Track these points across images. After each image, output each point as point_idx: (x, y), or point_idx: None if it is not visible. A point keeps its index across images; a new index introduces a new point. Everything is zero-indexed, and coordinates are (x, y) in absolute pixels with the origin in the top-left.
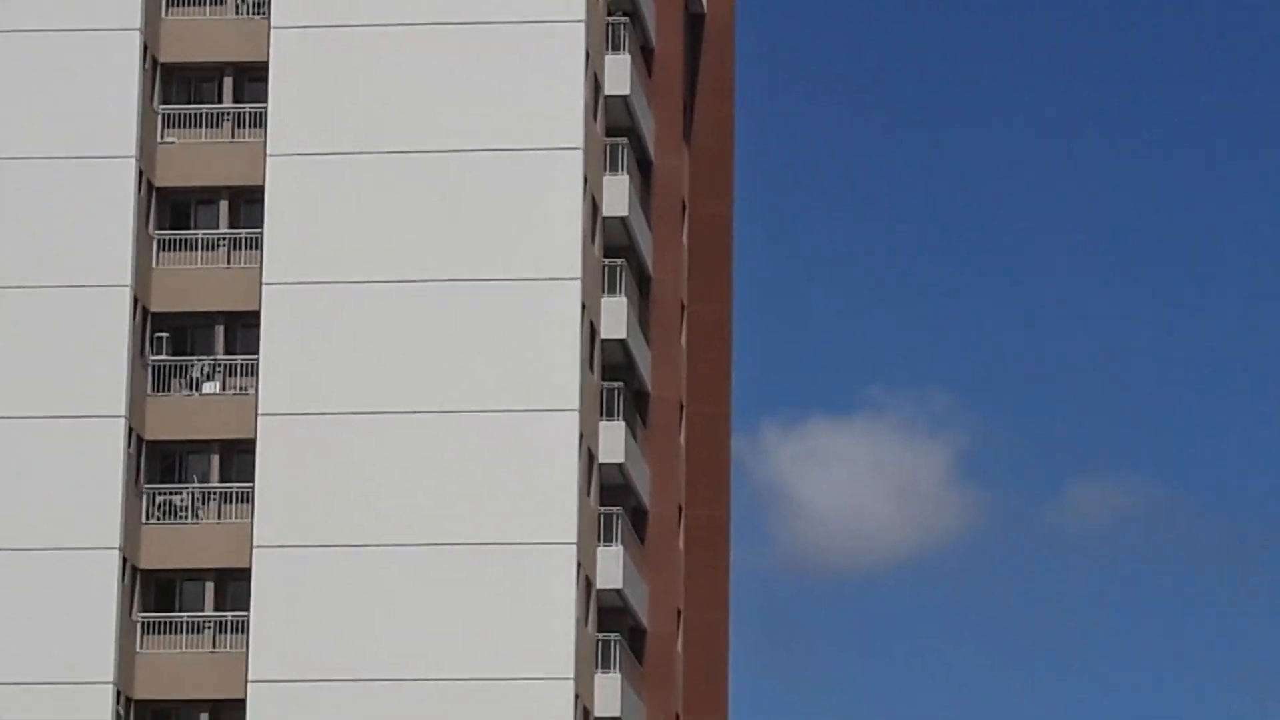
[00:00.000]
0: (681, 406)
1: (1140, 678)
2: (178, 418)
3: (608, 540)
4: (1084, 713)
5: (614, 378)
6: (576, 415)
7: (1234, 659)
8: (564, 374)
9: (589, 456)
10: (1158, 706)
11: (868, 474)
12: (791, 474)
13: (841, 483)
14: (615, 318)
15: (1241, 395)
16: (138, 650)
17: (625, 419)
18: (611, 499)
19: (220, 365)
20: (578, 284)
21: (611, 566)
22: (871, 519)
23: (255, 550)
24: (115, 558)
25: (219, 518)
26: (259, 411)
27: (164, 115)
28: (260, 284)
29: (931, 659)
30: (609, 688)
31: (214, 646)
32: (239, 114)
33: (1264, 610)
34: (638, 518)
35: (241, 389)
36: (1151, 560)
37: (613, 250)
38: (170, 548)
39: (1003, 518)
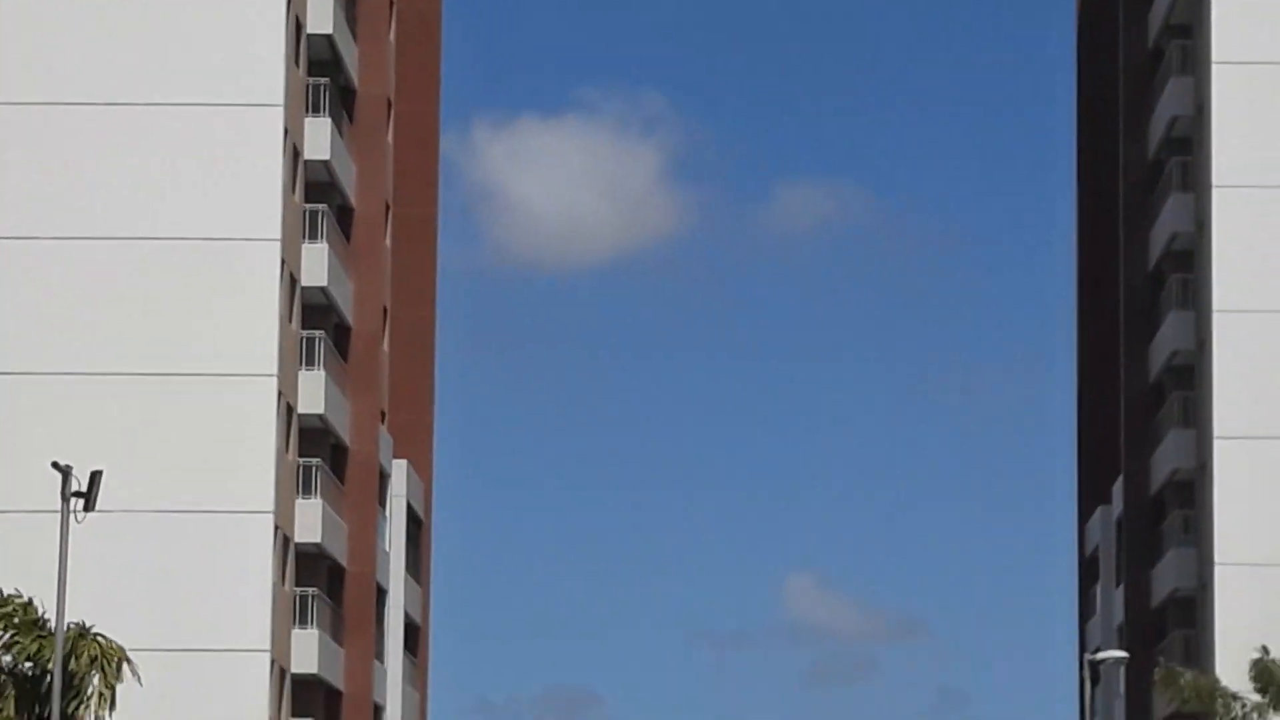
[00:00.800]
0: (390, 103)
1: (841, 375)
2: None
3: (313, 237)
4: (785, 406)
5: (320, 73)
6: (281, 110)
7: (934, 354)
8: (268, 66)
9: (294, 152)
10: (857, 400)
11: (579, 174)
12: (502, 173)
13: (553, 182)
14: (321, 12)
15: (942, 100)
16: None
17: (331, 115)
18: (317, 196)
19: None
20: None
21: (316, 263)
22: (582, 219)
23: None
24: None
25: None
26: None
27: None
28: None
29: (639, 356)
30: (313, 384)
31: None
32: None
33: (966, 306)
34: (344, 216)
35: None
36: (855, 262)
37: None
38: None
39: (712, 219)
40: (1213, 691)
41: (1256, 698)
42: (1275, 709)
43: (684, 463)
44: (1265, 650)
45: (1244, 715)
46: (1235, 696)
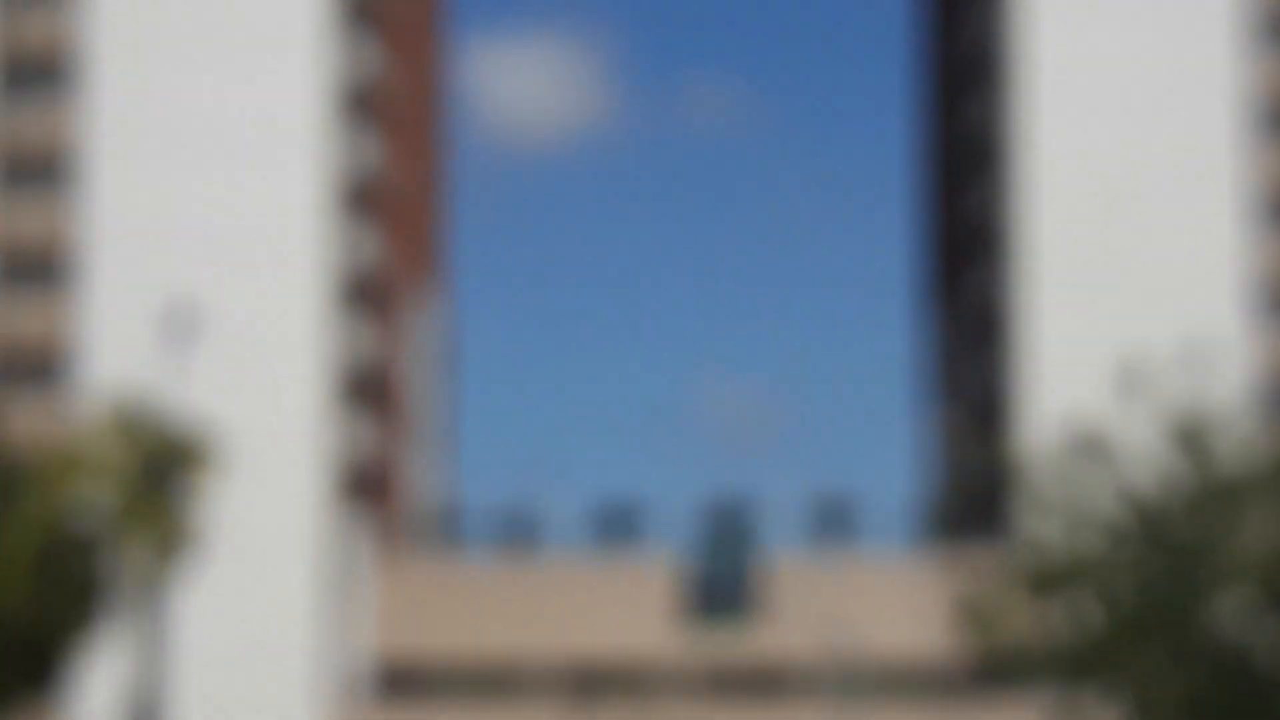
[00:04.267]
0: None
1: (743, 240)
2: None
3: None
4: (692, 261)
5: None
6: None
7: (820, 219)
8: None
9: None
10: (757, 260)
11: (542, 76)
12: (495, 77)
13: (525, 82)
14: None
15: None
16: None
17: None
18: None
19: None
20: None
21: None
22: (541, 108)
23: None
24: None
25: None
26: None
27: None
28: None
29: (597, 213)
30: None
31: None
32: None
33: (836, 175)
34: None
35: None
36: (751, 152)
37: None
38: None
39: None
40: (1019, 460)
41: None
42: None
43: (616, 283)
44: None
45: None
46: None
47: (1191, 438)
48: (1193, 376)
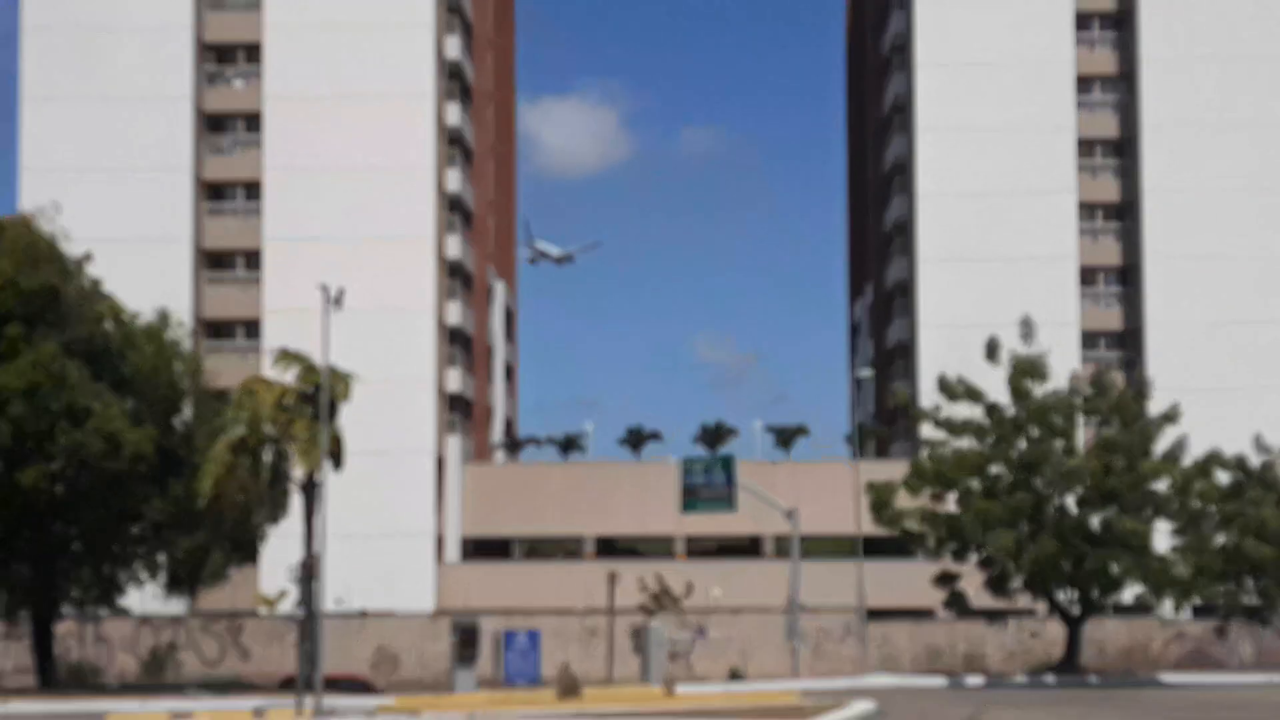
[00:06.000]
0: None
1: (727, 238)
2: None
3: (452, 165)
4: (688, 252)
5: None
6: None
7: (779, 225)
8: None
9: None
10: (733, 251)
11: (573, 123)
12: (551, 123)
13: (564, 129)
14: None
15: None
16: None
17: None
18: (454, 141)
19: None
20: None
21: (455, 182)
22: (593, 146)
23: None
24: None
25: None
26: None
27: None
28: None
29: (610, 223)
30: (454, 244)
31: None
32: None
33: (792, 196)
34: (468, 154)
35: None
36: (727, 176)
37: None
38: None
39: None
40: (913, 401)
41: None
42: (950, 399)
43: (635, 269)
44: (944, 376)
45: (923, 412)
46: (921, 410)
47: (1024, 377)
48: (1032, 341)
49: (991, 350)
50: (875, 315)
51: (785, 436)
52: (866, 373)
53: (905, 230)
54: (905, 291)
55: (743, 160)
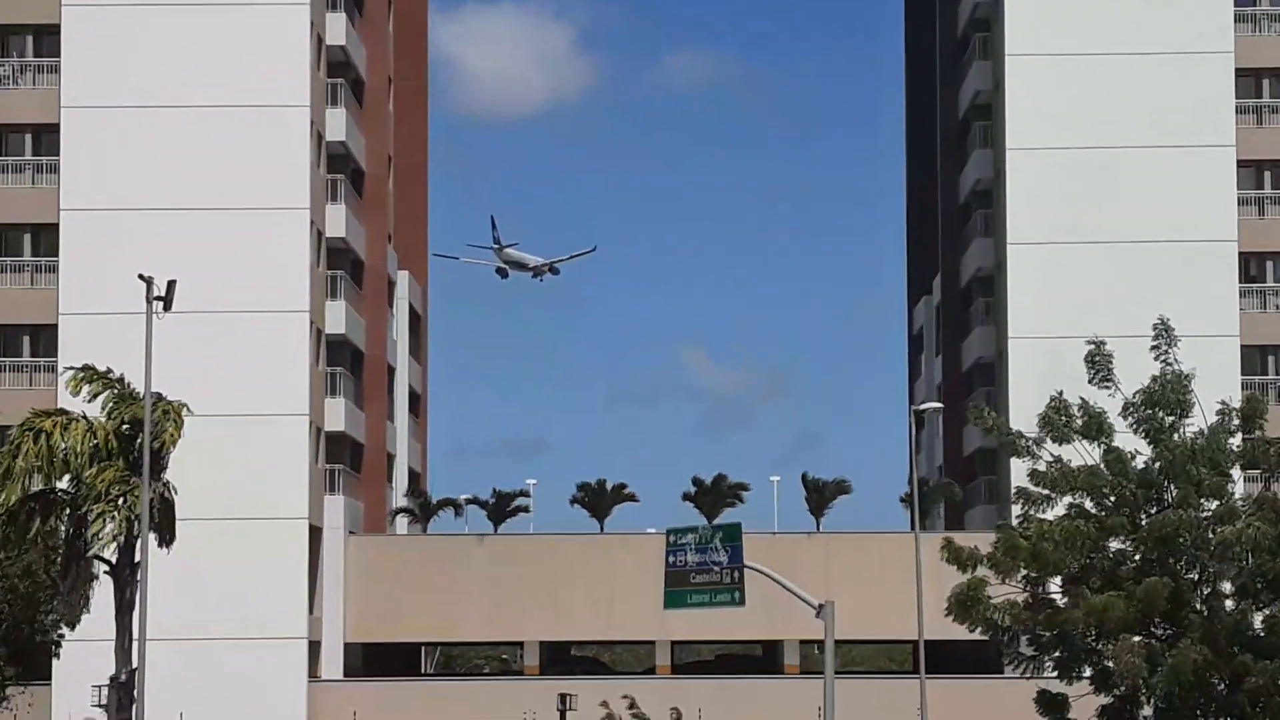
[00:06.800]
0: (389, 3)
1: (721, 200)
2: None
3: (334, 103)
4: (677, 239)
5: None
6: (308, 9)
7: (809, 197)
8: None
9: (318, 40)
10: (737, 214)
11: (511, 42)
12: (466, 48)
13: (496, 54)
14: None
15: None
16: None
17: (345, 10)
18: (337, 73)
19: None
20: None
21: (337, 123)
22: (515, 79)
23: None
24: None
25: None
26: None
27: None
28: None
29: (568, 184)
30: (337, 215)
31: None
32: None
33: (815, 147)
34: (357, 87)
35: None
36: (734, 121)
37: None
38: None
39: (613, 82)
40: (1007, 427)
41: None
42: (1057, 441)
43: (601, 263)
44: (1059, 396)
45: (1026, 444)
46: (1022, 435)
47: (1158, 410)
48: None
49: (1099, 366)
50: (946, 323)
51: (817, 496)
52: (932, 405)
53: (987, 199)
54: (989, 288)
55: (751, 100)
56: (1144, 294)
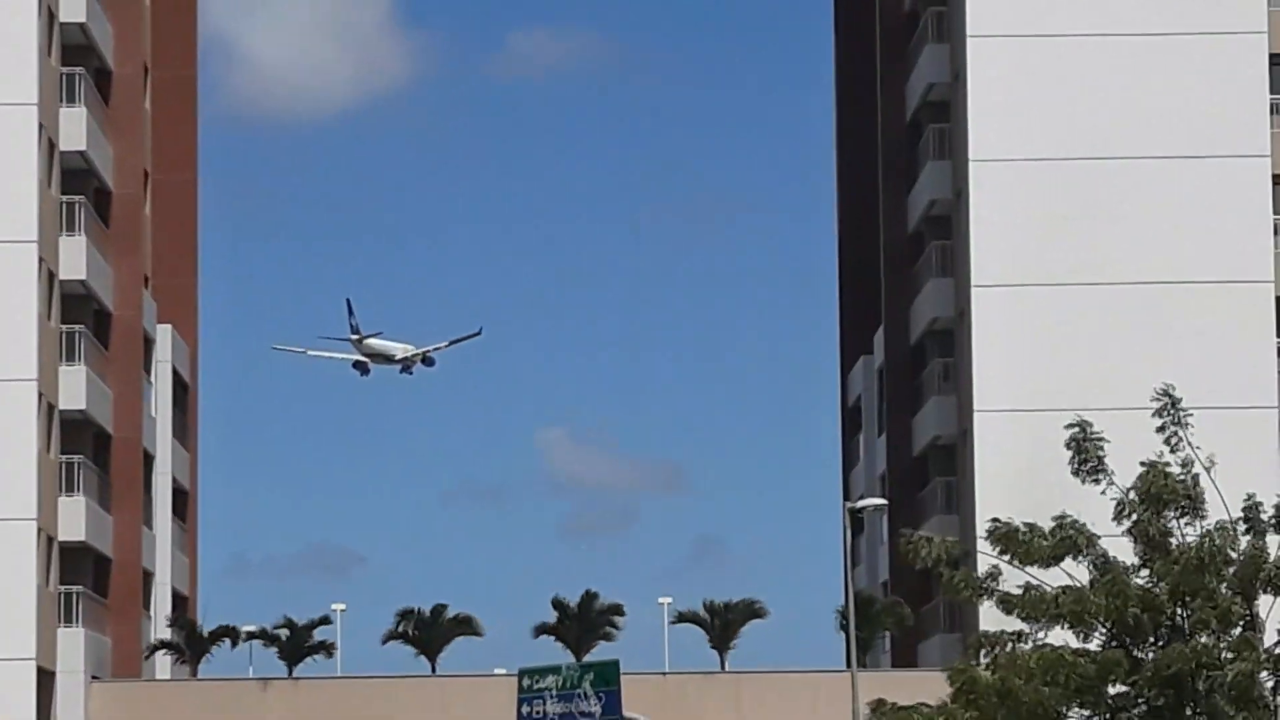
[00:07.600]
0: None
1: (588, 225)
2: None
3: (70, 101)
4: (531, 258)
5: None
6: None
7: (685, 202)
8: None
9: (49, 15)
10: (607, 249)
11: (309, 21)
12: (244, 30)
13: (286, 32)
14: None
15: None
16: None
17: None
18: (74, 60)
19: None
20: None
21: (75, 127)
22: (316, 68)
23: None
24: None
25: None
26: None
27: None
28: None
29: (383, 199)
30: (74, 250)
31: None
32: None
33: (719, 152)
34: (101, 79)
35: None
36: (592, 108)
37: None
38: None
39: (445, 67)
40: (956, 555)
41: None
42: (1022, 563)
43: (434, 319)
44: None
45: (982, 585)
46: (973, 575)
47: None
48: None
49: (1086, 453)
50: (891, 392)
51: (721, 624)
52: (873, 502)
53: (945, 226)
54: (947, 345)
55: (626, 94)
56: (1152, 351)
